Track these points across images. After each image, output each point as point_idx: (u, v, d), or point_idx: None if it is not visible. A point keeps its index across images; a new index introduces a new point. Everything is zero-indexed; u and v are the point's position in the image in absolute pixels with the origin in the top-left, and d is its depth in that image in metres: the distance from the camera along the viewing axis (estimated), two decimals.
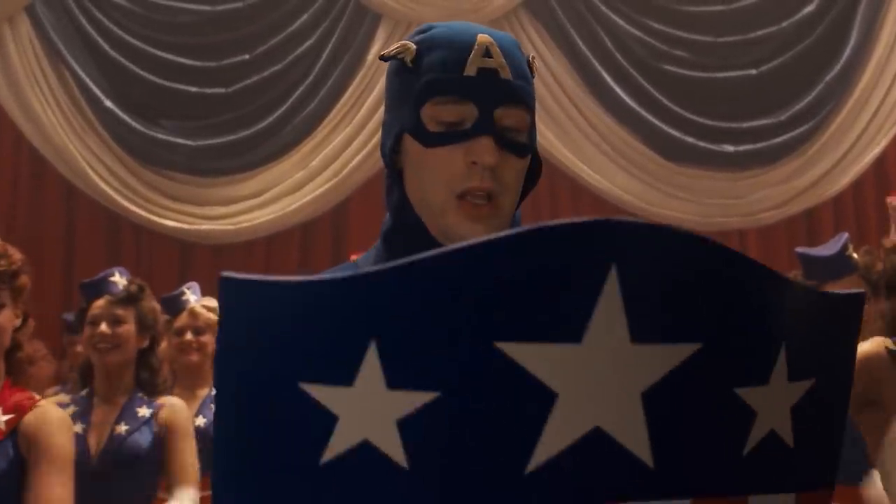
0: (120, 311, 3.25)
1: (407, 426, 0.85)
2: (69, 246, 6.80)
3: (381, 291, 0.85)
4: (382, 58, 1.31)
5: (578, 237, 0.85)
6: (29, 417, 2.29)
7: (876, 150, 7.10)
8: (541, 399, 0.86)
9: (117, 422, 3.18)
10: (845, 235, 3.67)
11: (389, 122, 1.32)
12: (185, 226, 6.83)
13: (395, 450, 0.85)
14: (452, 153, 1.24)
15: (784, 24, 7.21)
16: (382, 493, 0.86)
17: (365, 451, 0.85)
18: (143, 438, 3.17)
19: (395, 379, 0.85)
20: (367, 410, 0.85)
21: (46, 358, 5.21)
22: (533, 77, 1.32)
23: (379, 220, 1.37)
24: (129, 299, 3.28)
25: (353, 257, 1.52)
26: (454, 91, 1.24)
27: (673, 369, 0.89)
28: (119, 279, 3.33)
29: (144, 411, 3.22)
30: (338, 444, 0.85)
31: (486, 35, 1.27)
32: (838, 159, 7.08)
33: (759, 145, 7.09)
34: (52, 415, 2.32)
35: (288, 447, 0.85)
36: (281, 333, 0.85)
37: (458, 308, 0.85)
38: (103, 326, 3.22)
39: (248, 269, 7.03)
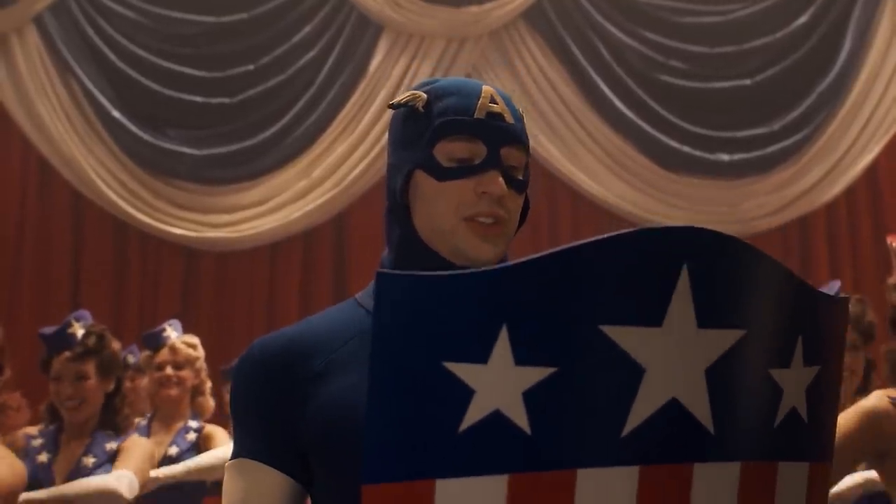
0: (81, 367, 3.22)
1: (530, 397, 1.03)
2: (76, 253, 6.88)
3: (511, 284, 1.04)
4: (392, 106, 1.46)
5: (661, 241, 1.08)
6: None
7: (868, 158, 7.16)
8: (633, 372, 1.06)
9: (85, 454, 3.23)
10: (838, 284, 3.66)
11: (397, 163, 1.45)
12: (191, 233, 6.91)
13: (520, 417, 1.03)
14: (463, 186, 1.40)
15: (778, 34, 7.28)
16: (509, 455, 1.04)
17: (496, 420, 1.03)
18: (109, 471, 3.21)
19: (522, 357, 1.03)
20: (499, 384, 1.03)
21: (20, 408, 5.20)
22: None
23: (379, 229, 1.49)
24: (88, 353, 3.24)
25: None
26: (467, 131, 1.40)
27: (727, 350, 1.10)
28: (77, 329, 3.28)
29: (112, 445, 3.29)
30: (473, 414, 1.02)
31: (489, 86, 1.47)
32: (831, 167, 7.15)
33: (753, 154, 7.17)
34: None
35: (431, 417, 1.02)
36: (427, 320, 1.02)
37: (573, 298, 1.05)
38: (66, 385, 3.22)
39: (252, 276, 7.14)
